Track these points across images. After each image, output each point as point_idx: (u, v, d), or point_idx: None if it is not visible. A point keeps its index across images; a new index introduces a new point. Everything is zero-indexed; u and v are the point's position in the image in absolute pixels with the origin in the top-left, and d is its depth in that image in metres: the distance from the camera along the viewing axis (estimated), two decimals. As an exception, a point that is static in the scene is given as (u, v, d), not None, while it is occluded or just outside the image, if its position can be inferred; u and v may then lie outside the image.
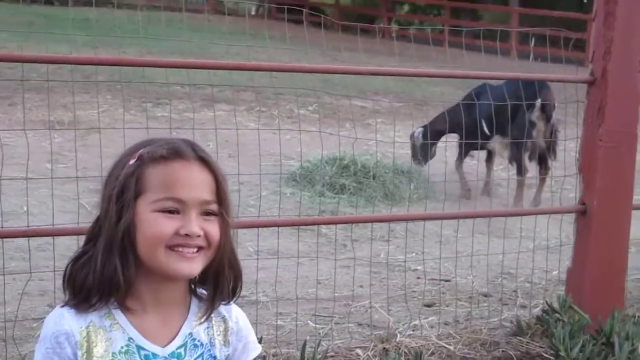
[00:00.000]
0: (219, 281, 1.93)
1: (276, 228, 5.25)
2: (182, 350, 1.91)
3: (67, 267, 1.89)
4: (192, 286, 1.97)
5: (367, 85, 12.09)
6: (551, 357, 4.01)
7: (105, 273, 1.82)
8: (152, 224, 1.81)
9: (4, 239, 4.06)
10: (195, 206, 1.83)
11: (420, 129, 8.95)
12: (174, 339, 1.91)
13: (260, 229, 4.59)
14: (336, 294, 4.63)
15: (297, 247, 4.88)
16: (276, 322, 4.23)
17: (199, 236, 1.83)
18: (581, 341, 4.03)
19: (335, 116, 10.29)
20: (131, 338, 1.87)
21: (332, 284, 4.63)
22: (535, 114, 8.11)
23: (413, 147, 9.08)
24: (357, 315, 4.62)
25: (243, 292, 4.85)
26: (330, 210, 7.16)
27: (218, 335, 1.98)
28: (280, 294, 4.54)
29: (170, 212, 1.82)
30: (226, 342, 1.99)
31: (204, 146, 1.92)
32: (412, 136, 9.15)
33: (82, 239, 1.92)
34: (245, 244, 5.65)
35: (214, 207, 1.86)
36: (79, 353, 1.82)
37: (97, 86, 9.23)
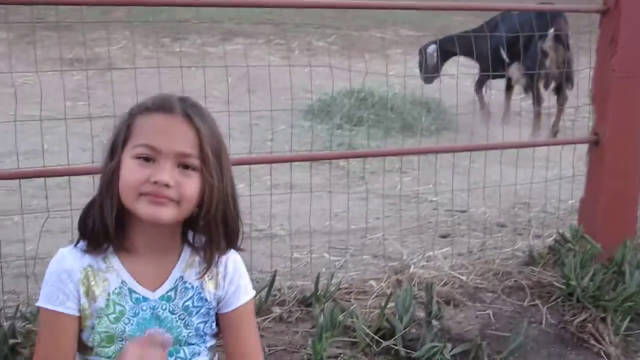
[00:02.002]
0: (212, 236, 1.99)
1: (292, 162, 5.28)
2: (172, 293, 1.99)
3: (82, 212, 1.97)
4: (189, 234, 2.04)
5: (385, 16, 11.99)
6: (562, 286, 4.07)
7: (102, 217, 1.89)
8: (129, 169, 1.89)
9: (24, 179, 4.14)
10: (170, 157, 1.88)
11: (434, 46, 8.88)
12: (164, 282, 1.99)
13: (276, 164, 4.64)
14: (351, 227, 4.69)
15: (315, 180, 4.92)
16: (292, 255, 4.30)
17: (168, 186, 1.87)
18: (592, 270, 4.08)
19: (355, 48, 10.26)
20: (124, 281, 1.95)
21: (347, 216, 4.69)
22: (548, 44, 8.06)
23: (421, 62, 9.00)
24: (371, 247, 4.68)
25: (260, 226, 4.93)
26: (347, 142, 7.20)
27: (210, 278, 2.05)
28: (296, 227, 4.60)
29: (146, 159, 1.87)
30: (217, 286, 2.05)
31: (197, 100, 1.98)
32: (421, 51, 9.07)
33: (98, 177, 2.00)
34: (263, 177, 5.71)
35: (193, 161, 1.91)
36: (81, 290, 1.93)
37: (115, 24, 9.22)
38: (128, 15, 9.90)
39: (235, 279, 2.08)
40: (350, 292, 3.89)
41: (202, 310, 2.04)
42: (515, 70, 8.54)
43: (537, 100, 8.30)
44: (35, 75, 7.41)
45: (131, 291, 1.96)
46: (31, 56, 9.53)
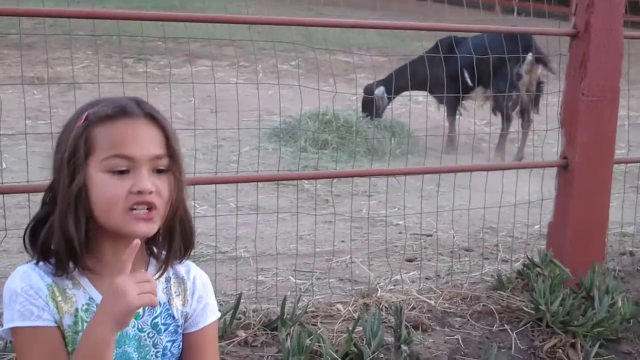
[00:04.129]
0: (172, 238, 1.91)
1: (258, 183, 5.21)
2: (139, 310, 1.89)
3: (27, 229, 1.87)
4: (151, 246, 1.95)
5: (350, 40, 11.98)
6: (531, 311, 4.02)
7: (63, 237, 1.80)
8: (104, 185, 1.80)
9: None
10: (145, 162, 1.81)
11: (382, 88, 8.80)
12: None
13: (241, 184, 4.57)
14: (317, 249, 4.62)
15: (280, 202, 4.85)
16: (257, 277, 4.21)
17: (151, 193, 1.80)
18: (561, 295, 4.05)
19: (318, 71, 10.23)
20: (92, 298, 1.85)
21: (313, 239, 4.62)
22: (525, 67, 8.13)
23: (366, 102, 8.84)
24: (338, 270, 4.61)
25: (224, 248, 4.85)
26: (313, 165, 7.14)
27: (177, 295, 1.96)
28: (261, 250, 4.52)
29: (121, 172, 1.80)
30: (185, 302, 1.97)
31: (154, 104, 1.91)
32: (366, 90, 8.94)
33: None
34: (227, 199, 5.62)
35: (164, 162, 1.85)
36: (51, 305, 1.83)
37: (78, 41, 9.12)
38: (91, 37, 9.80)
39: (203, 297, 2.00)
40: (317, 316, 3.80)
41: (170, 328, 1.95)
42: (478, 95, 8.57)
43: (507, 122, 8.34)
44: (-5, 93, 7.29)
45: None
46: (-8, 74, 9.40)
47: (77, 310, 1.85)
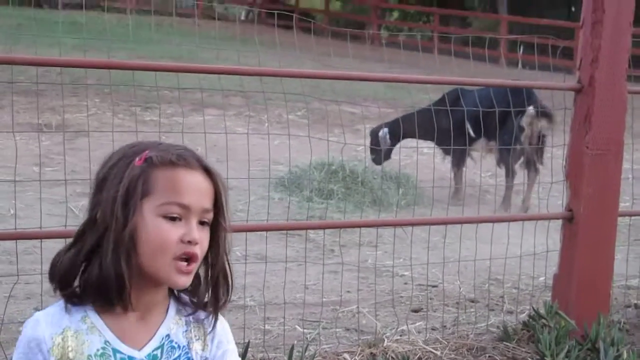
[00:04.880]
0: (217, 287, 1.93)
1: (264, 233, 5.25)
2: (158, 352, 1.89)
3: (57, 267, 1.87)
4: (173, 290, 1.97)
5: (356, 92, 12.10)
6: (537, 363, 4.03)
7: (110, 276, 1.80)
8: (159, 230, 1.81)
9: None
10: (197, 213, 1.83)
11: (386, 130, 8.95)
12: (150, 340, 1.90)
13: (248, 233, 4.60)
14: (324, 299, 4.63)
15: (285, 252, 4.88)
16: (264, 326, 4.23)
17: (197, 244, 1.83)
18: (567, 346, 4.06)
19: (324, 121, 10.30)
20: (107, 341, 1.84)
21: (320, 289, 4.64)
22: (527, 120, 8.22)
23: (372, 144, 9.01)
24: (344, 320, 4.62)
25: (231, 297, 4.85)
26: (319, 215, 7.17)
27: (197, 339, 1.96)
28: (268, 299, 4.53)
29: (173, 218, 1.81)
30: (205, 347, 1.97)
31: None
32: (373, 133, 9.10)
33: (69, 241, 1.91)
34: (233, 248, 5.63)
35: (210, 215, 1.87)
36: (51, 359, 1.82)
37: (87, 89, 9.21)
38: (98, 85, 9.89)
39: (223, 342, 2.01)
40: (324, 365, 3.82)
41: None
42: (482, 146, 8.64)
43: (511, 175, 8.40)
44: (3, 139, 7.36)
45: (115, 351, 1.86)
46: (0, 120, 9.48)
47: (88, 357, 1.84)
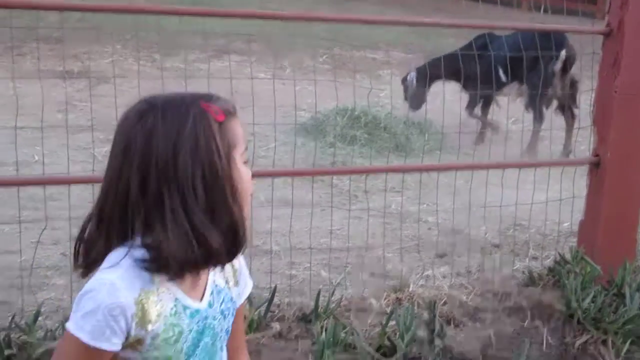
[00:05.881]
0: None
1: (288, 178, 5.25)
2: (211, 298, 1.91)
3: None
4: None
5: (378, 37, 12.00)
6: (563, 308, 4.04)
7: (234, 229, 1.81)
8: (247, 176, 1.84)
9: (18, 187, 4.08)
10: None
11: (414, 73, 8.95)
12: (205, 289, 1.90)
13: (273, 178, 4.60)
14: (349, 244, 4.64)
15: (309, 197, 4.88)
16: (290, 271, 4.25)
17: None
18: (592, 292, 4.06)
19: (346, 67, 10.25)
20: (177, 298, 1.83)
21: (345, 234, 4.64)
22: (559, 65, 8.14)
23: (406, 90, 9.08)
24: (370, 265, 4.63)
25: (256, 242, 4.87)
26: (342, 161, 7.16)
27: (230, 277, 1.99)
28: (293, 244, 4.55)
29: (245, 162, 1.85)
30: (236, 283, 2.00)
31: None
32: (404, 80, 9.12)
33: (97, 187, 1.87)
34: (256, 193, 5.64)
35: None
36: (133, 323, 1.76)
37: (111, 36, 9.17)
38: (118, 31, 9.86)
39: (244, 273, 2.03)
40: (350, 310, 3.84)
41: (231, 312, 1.97)
42: (512, 90, 8.58)
43: (540, 119, 8.33)
44: (26, 86, 7.36)
45: (185, 307, 1.84)
46: (22, 67, 9.47)
47: (166, 317, 1.81)
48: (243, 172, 1.83)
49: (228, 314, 1.97)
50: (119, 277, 1.76)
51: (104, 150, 6.57)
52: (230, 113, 1.83)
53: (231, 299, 1.98)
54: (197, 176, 1.75)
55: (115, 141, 1.81)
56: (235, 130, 1.82)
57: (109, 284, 1.74)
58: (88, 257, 1.83)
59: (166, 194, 1.75)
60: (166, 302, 1.81)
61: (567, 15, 5.41)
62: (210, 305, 1.90)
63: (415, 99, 8.93)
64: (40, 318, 3.47)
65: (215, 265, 1.85)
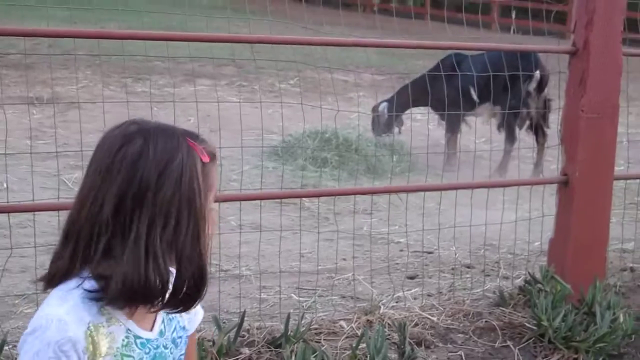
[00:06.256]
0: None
1: (258, 202, 5.23)
2: (162, 327, 1.89)
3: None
4: None
5: (348, 59, 12.05)
6: (533, 327, 4.04)
7: (200, 270, 1.83)
8: (216, 216, 1.88)
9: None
10: None
11: (385, 103, 8.97)
12: (156, 318, 1.88)
13: (242, 203, 4.58)
14: (319, 267, 4.63)
15: (279, 220, 4.86)
16: (259, 295, 4.22)
17: None
18: (563, 311, 4.06)
19: (317, 90, 10.25)
20: (129, 329, 1.80)
21: (315, 257, 4.63)
22: (533, 85, 8.20)
23: (374, 120, 9.10)
24: (340, 287, 4.62)
25: (227, 267, 4.85)
26: (313, 184, 7.15)
27: None
28: (264, 268, 4.53)
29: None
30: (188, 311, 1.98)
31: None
32: (374, 109, 9.14)
33: (63, 214, 1.86)
34: (227, 218, 5.63)
35: None
36: (85, 357, 1.74)
37: (76, 60, 9.14)
38: (89, 57, 9.82)
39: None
40: (320, 333, 3.82)
41: (183, 340, 1.95)
42: (485, 111, 8.62)
43: (512, 139, 8.38)
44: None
45: (136, 337, 1.81)
46: (-9, 94, 9.40)
47: (116, 349, 1.78)
48: (213, 214, 1.84)
49: (180, 342, 1.94)
50: (66, 311, 1.73)
51: (74, 177, 6.55)
52: (213, 156, 1.84)
53: (183, 327, 1.96)
54: (174, 207, 1.75)
55: (95, 158, 1.78)
56: (213, 174, 1.84)
57: (56, 320, 1.72)
58: (49, 272, 1.81)
59: (136, 219, 1.73)
60: (117, 334, 1.79)
61: (534, 35, 5.46)
62: (161, 333, 1.88)
63: (386, 127, 8.96)
64: (6, 347, 3.42)
65: (172, 308, 1.82)
